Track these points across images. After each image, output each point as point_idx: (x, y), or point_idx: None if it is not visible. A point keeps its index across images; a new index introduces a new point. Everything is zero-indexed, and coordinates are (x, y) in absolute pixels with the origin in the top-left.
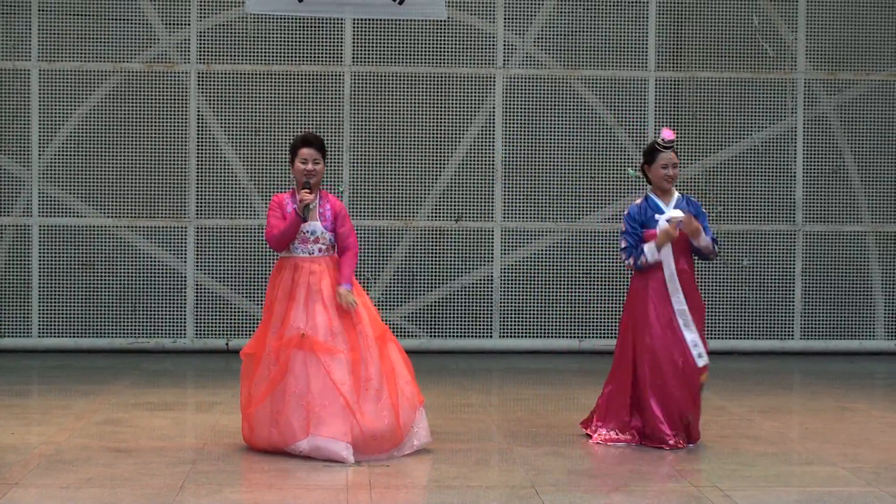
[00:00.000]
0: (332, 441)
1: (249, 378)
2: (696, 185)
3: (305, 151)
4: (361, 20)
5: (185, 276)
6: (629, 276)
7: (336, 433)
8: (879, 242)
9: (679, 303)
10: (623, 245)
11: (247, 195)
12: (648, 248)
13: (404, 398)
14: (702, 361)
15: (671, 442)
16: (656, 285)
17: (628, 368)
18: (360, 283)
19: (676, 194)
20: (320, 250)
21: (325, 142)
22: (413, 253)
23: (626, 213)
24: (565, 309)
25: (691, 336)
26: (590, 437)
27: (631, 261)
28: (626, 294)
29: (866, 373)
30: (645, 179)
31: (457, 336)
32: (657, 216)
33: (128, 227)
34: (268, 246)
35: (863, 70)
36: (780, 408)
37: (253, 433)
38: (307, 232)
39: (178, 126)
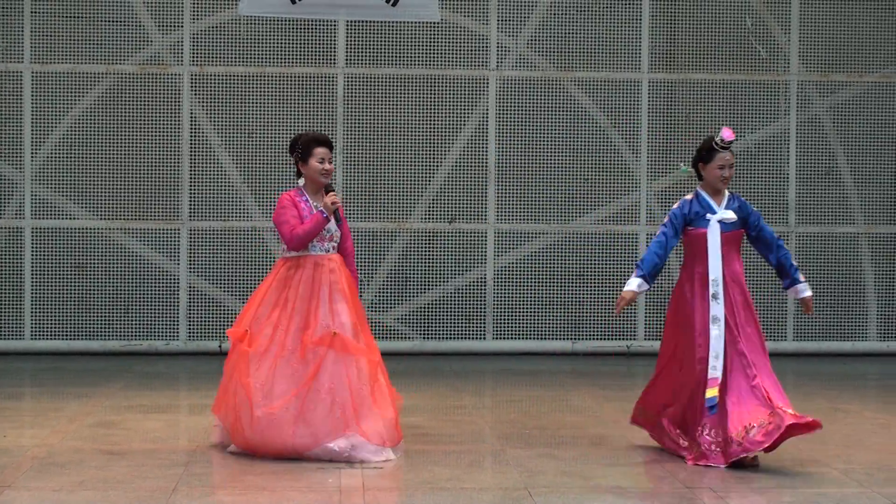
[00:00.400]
0: (366, 442)
1: (246, 376)
2: (690, 185)
3: (321, 151)
4: (354, 22)
5: (178, 279)
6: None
7: (371, 433)
8: (872, 244)
9: (716, 308)
10: (658, 235)
11: (240, 197)
12: (635, 282)
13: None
14: (713, 373)
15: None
16: (701, 290)
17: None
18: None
19: (727, 193)
20: (333, 248)
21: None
22: (406, 255)
23: (676, 205)
24: (559, 311)
25: (716, 348)
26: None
27: (639, 280)
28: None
29: (859, 374)
30: (697, 177)
31: (450, 338)
32: (708, 215)
33: (121, 229)
34: (286, 246)
35: (856, 72)
36: None
37: (255, 435)
38: (325, 230)
39: (171, 128)
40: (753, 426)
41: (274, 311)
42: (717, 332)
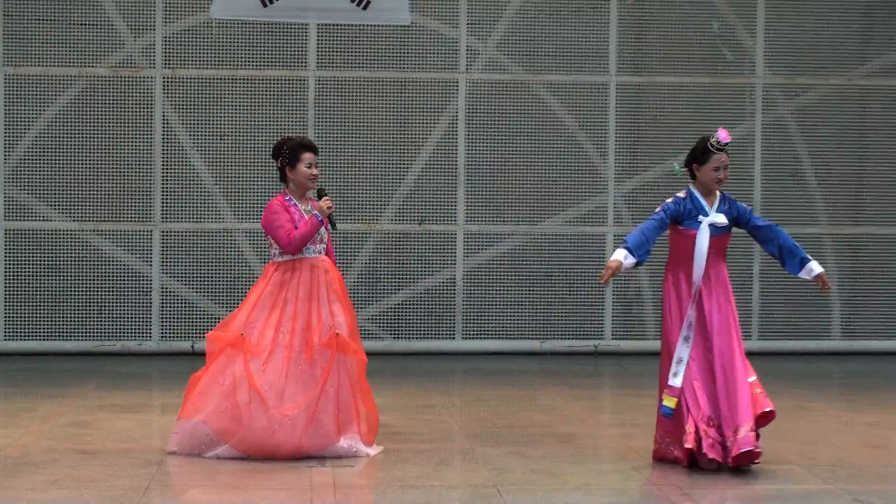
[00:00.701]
0: (363, 442)
1: (255, 378)
2: (656, 189)
3: (309, 156)
4: (325, 25)
5: (151, 280)
6: (593, 277)
7: (364, 432)
8: (836, 244)
9: (690, 316)
10: (648, 220)
11: (212, 199)
12: (621, 253)
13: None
14: (674, 381)
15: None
16: (689, 291)
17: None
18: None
19: (718, 195)
20: (324, 249)
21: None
22: (376, 256)
23: (669, 199)
24: (527, 311)
25: (681, 353)
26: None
27: (624, 251)
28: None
29: (823, 373)
30: (690, 176)
31: (420, 338)
32: (700, 217)
33: (93, 230)
34: (283, 250)
35: (820, 75)
36: None
37: (267, 437)
38: (318, 233)
39: (143, 130)
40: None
41: (272, 314)
42: (687, 338)
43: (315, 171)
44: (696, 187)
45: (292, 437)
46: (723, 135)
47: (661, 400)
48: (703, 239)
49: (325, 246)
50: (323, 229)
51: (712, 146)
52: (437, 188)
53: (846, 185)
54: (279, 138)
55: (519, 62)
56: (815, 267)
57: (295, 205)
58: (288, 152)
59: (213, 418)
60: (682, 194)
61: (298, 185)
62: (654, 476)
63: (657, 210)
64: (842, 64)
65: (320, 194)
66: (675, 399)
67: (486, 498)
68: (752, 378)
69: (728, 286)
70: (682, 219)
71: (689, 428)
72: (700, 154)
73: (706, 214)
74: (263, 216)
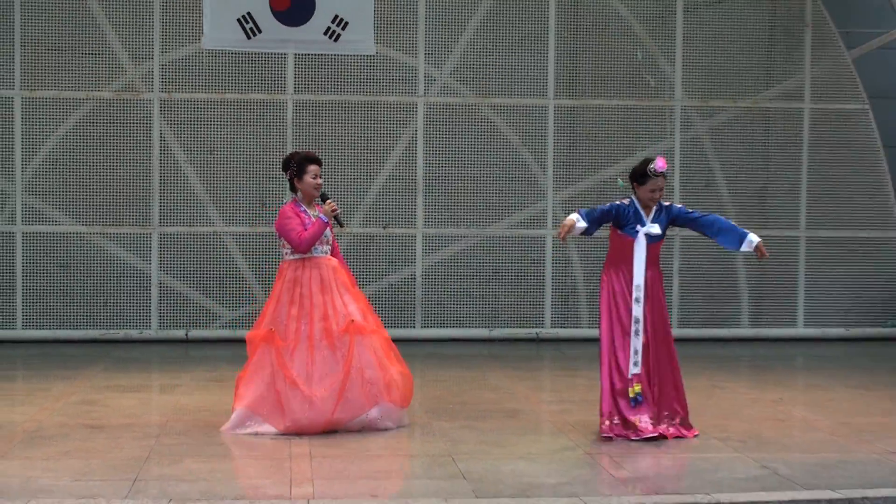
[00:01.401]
0: (392, 408)
1: (288, 368)
2: (589, 196)
3: (314, 168)
4: (302, 55)
5: (150, 276)
6: (534, 274)
7: (396, 399)
8: None
9: (637, 310)
10: (594, 209)
11: (203, 206)
12: (574, 216)
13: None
14: (634, 370)
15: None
16: (621, 288)
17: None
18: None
19: (654, 207)
20: (330, 249)
21: (273, 161)
22: (347, 255)
23: (616, 202)
24: (478, 303)
25: (635, 344)
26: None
27: (576, 215)
28: (532, 289)
29: (734, 356)
30: (631, 190)
31: (385, 326)
32: (638, 227)
33: (100, 233)
34: (294, 250)
35: (730, 98)
36: None
37: (308, 416)
38: (324, 235)
39: (143, 146)
40: (665, 415)
41: (292, 308)
42: (637, 331)
43: (319, 181)
44: (637, 199)
45: (324, 414)
46: (660, 163)
47: (611, 384)
48: (640, 247)
49: (331, 247)
50: (329, 232)
51: (650, 172)
52: (399, 196)
53: (752, 193)
54: (286, 154)
55: (470, 87)
56: (753, 238)
57: (304, 210)
58: (296, 165)
59: (257, 404)
60: (626, 202)
61: (305, 193)
62: (588, 446)
63: (605, 205)
64: (749, 89)
65: (324, 198)
66: (640, 384)
67: (443, 465)
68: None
69: (661, 287)
70: (622, 224)
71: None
72: (640, 176)
73: (643, 224)
74: (277, 221)
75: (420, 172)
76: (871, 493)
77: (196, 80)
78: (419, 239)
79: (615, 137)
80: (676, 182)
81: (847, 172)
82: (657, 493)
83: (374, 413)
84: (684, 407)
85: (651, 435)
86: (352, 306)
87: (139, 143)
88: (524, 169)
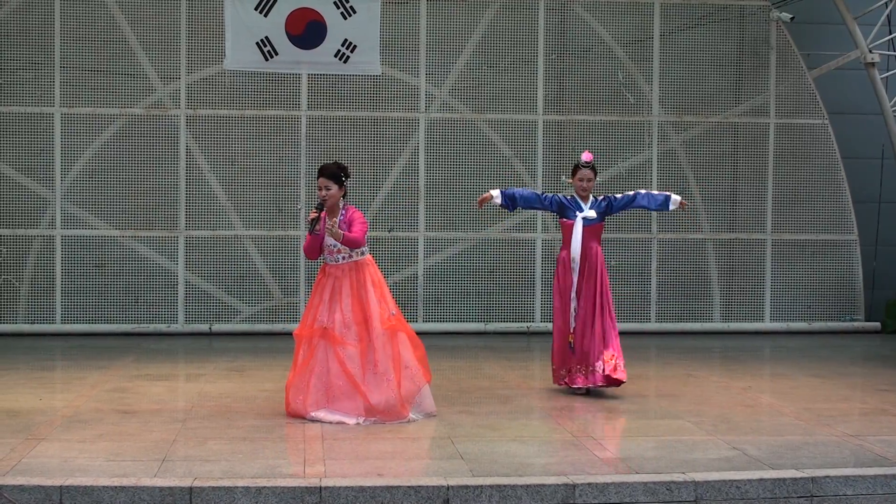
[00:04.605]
0: (343, 414)
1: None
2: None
3: (319, 181)
4: (314, 75)
5: (177, 275)
6: (525, 274)
7: (347, 409)
8: (716, 247)
9: (574, 278)
10: (537, 193)
11: (225, 212)
12: (497, 193)
13: (407, 378)
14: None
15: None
16: (565, 264)
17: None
18: (375, 280)
19: (592, 198)
20: (343, 258)
21: (288, 171)
22: None
23: (560, 196)
24: (474, 299)
25: (574, 305)
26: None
27: (497, 191)
28: (523, 287)
29: (706, 348)
30: (572, 184)
31: None
32: (577, 213)
33: (131, 237)
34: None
35: (703, 114)
36: (640, 375)
37: (288, 401)
38: (331, 245)
39: (170, 158)
40: (596, 365)
41: (314, 307)
42: (573, 296)
43: (322, 193)
44: (576, 192)
45: (293, 401)
46: (585, 156)
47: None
48: (577, 228)
49: (343, 255)
50: (335, 242)
51: (578, 163)
52: (402, 203)
53: (723, 200)
54: (301, 164)
55: (467, 104)
56: (675, 198)
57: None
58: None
59: (311, 395)
60: (569, 196)
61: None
62: (574, 429)
63: (548, 192)
64: (719, 105)
65: (319, 208)
66: (572, 336)
67: (442, 447)
68: (610, 352)
69: (603, 265)
70: (564, 212)
71: (572, 363)
72: (573, 170)
73: (581, 210)
74: None
75: (422, 181)
76: (832, 472)
77: (219, 98)
78: (421, 241)
79: (598, 149)
80: (654, 189)
81: (809, 181)
82: (637, 472)
83: (320, 414)
84: (614, 357)
85: (582, 386)
86: (337, 315)
87: (167, 154)
88: (516, 178)
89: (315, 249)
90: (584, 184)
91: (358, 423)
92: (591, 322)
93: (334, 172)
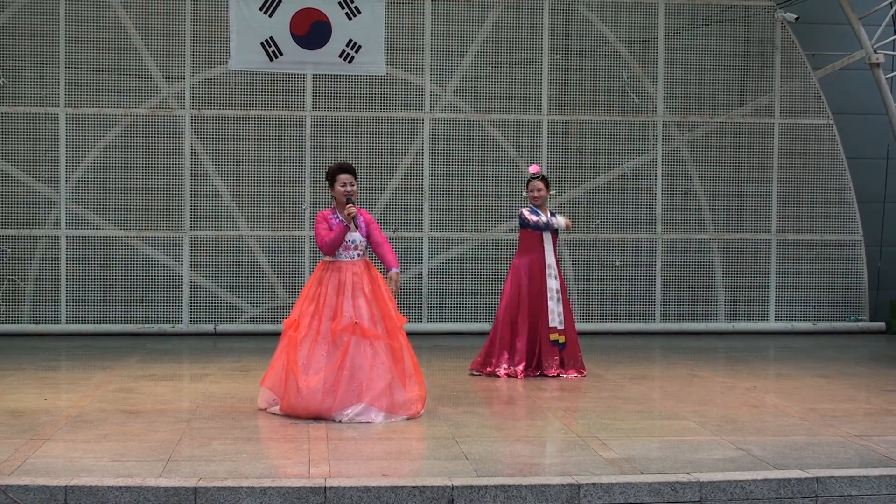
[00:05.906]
0: (376, 412)
1: (293, 355)
2: (580, 203)
3: (344, 177)
4: (319, 75)
5: (182, 275)
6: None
7: (381, 406)
8: (720, 247)
9: (552, 282)
10: (532, 219)
11: (230, 212)
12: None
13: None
14: (554, 323)
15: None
16: (537, 266)
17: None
18: (381, 277)
19: (548, 210)
20: (359, 255)
21: (293, 171)
22: None
23: (527, 211)
24: (479, 299)
25: (553, 306)
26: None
27: (535, 220)
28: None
29: (711, 348)
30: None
31: None
32: (546, 221)
33: (136, 237)
34: (320, 251)
35: (707, 114)
36: (645, 375)
37: (299, 402)
38: (349, 241)
39: (175, 158)
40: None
41: (310, 305)
42: (555, 298)
43: (349, 188)
44: (531, 203)
45: (313, 402)
46: (532, 168)
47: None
48: (548, 237)
49: (359, 252)
50: (359, 238)
51: (529, 175)
52: (407, 203)
53: (727, 200)
54: (306, 164)
55: (471, 104)
56: (561, 220)
57: (336, 216)
58: (330, 175)
59: (274, 385)
60: (528, 211)
61: (337, 200)
62: (579, 429)
63: (528, 215)
64: (724, 106)
65: (347, 202)
66: (555, 334)
67: (447, 447)
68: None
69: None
70: (537, 223)
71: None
72: (527, 182)
73: (546, 219)
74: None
75: (426, 181)
76: (837, 472)
77: (223, 98)
78: (426, 242)
79: (603, 150)
80: (659, 190)
81: (813, 181)
82: (642, 473)
83: (355, 409)
84: (570, 355)
85: (511, 375)
86: (363, 311)
87: (172, 155)
88: (520, 178)
89: (339, 244)
90: (535, 193)
91: (389, 420)
92: (570, 321)
93: (355, 170)
